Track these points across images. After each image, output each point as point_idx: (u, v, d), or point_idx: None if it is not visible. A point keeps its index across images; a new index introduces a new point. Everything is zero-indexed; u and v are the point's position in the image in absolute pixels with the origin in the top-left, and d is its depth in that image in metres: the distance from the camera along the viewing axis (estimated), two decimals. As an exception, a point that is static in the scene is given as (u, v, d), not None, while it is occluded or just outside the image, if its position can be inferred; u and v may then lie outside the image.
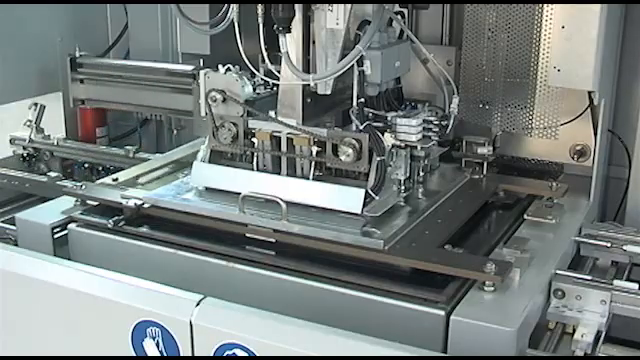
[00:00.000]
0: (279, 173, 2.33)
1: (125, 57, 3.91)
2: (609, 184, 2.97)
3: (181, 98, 3.42)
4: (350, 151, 2.15)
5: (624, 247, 2.38)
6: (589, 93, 2.49)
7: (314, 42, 2.24)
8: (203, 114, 2.38)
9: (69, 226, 2.41)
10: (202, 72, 2.37)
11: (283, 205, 2.16)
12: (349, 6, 2.14)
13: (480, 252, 2.20)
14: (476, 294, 1.98)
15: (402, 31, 2.48)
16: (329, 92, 2.23)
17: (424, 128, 2.30)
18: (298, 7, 2.20)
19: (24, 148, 3.64)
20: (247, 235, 2.25)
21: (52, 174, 3.24)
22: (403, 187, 2.36)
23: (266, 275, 2.13)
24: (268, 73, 2.30)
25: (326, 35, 2.20)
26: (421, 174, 2.47)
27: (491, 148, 2.73)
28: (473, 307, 1.92)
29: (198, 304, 1.94)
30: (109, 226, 2.34)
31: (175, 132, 3.73)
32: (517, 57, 2.57)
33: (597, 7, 2.32)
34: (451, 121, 2.38)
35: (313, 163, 2.26)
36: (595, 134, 2.64)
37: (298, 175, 2.31)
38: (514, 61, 2.58)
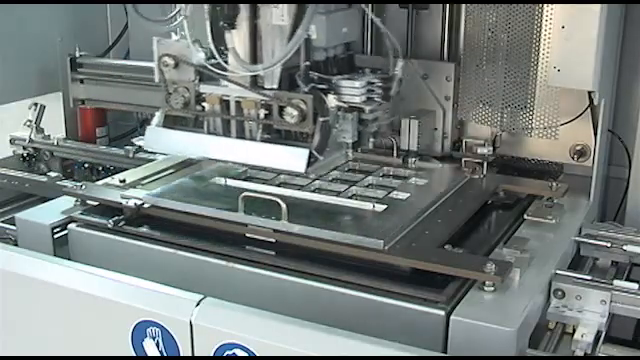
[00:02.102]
0: (229, 136, 2.36)
1: (125, 57, 3.90)
2: (609, 184, 2.97)
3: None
4: (295, 112, 2.20)
5: (624, 247, 2.38)
6: (589, 93, 2.49)
7: (261, 37, 2.29)
8: (157, 80, 2.41)
9: (69, 226, 2.41)
10: (155, 38, 2.40)
11: (283, 205, 2.16)
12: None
13: (480, 252, 2.20)
14: (476, 294, 1.98)
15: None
16: (275, 86, 2.27)
17: (368, 90, 2.33)
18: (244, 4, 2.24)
19: (24, 148, 3.64)
20: (247, 235, 2.25)
21: (52, 174, 3.24)
22: (351, 150, 2.39)
23: (266, 275, 2.13)
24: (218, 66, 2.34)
25: (272, 31, 2.24)
26: (371, 140, 2.50)
27: (491, 148, 2.73)
28: (473, 307, 1.92)
29: (198, 304, 1.94)
30: (109, 226, 2.34)
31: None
32: (517, 57, 2.57)
33: (597, 7, 2.32)
34: (394, 83, 2.39)
35: (261, 125, 2.30)
36: (595, 134, 2.64)
37: (247, 138, 2.34)
38: (514, 61, 2.58)
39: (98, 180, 2.81)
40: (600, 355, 2.01)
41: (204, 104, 2.36)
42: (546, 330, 2.14)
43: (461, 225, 2.32)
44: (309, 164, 2.20)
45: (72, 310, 2.12)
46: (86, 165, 3.61)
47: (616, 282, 2.13)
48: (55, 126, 3.74)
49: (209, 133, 2.38)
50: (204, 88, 2.35)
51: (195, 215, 2.31)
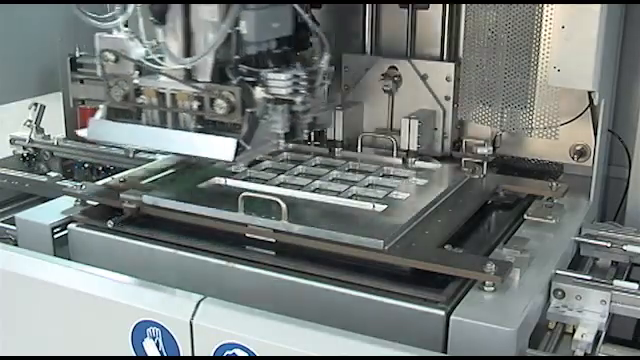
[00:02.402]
0: (166, 127, 2.43)
1: (125, 57, 3.89)
2: (609, 184, 2.97)
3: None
4: (224, 104, 2.29)
5: (624, 247, 2.38)
6: (589, 93, 2.49)
7: (194, 33, 2.35)
8: (99, 73, 2.49)
9: (69, 226, 2.41)
10: (97, 34, 2.46)
11: (283, 205, 2.16)
12: None
13: (480, 252, 2.20)
14: (476, 294, 1.98)
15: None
16: (208, 79, 2.33)
17: (294, 83, 2.38)
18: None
19: (24, 148, 3.64)
20: (247, 235, 2.25)
21: (52, 174, 3.24)
22: (283, 141, 2.47)
23: (266, 275, 2.12)
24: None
25: (204, 27, 2.30)
26: (305, 132, 2.56)
27: (491, 148, 2.73)
28: (473, 307, 1.92)
29: (198, 304, 1.94)
30: (109, 226, 2.34)
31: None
32: (517, 57, 2.57)
33: (597, 7, 2.32)
34: (319, 77, 2.46)
35: (194, 117, 2.38)
36: (595, 134, 2.64)
37: (181, 128, 2.41)
38: (514, 61, 2.58)
39: (98, 180, 2.81)
40: (600, 355, 2.01)
41: (142, 97, 2.43)
42: (546, 330, 2.14)
43: (461, 225, 2.32)
44: (237, 153, 2.29)
45: (72, 310, 2.12)
46: (86, 165, 3.61)
47: (616, 282, 2.13)
48: (55, 126, 3.74)
49: (147, 124, 2.45)
50: (142, 82, 2.42)
51: (195, 215, 2.31)
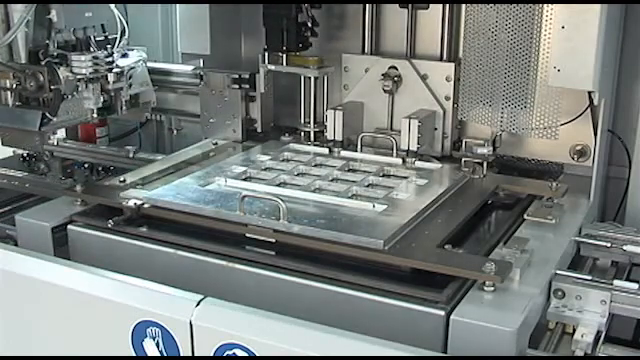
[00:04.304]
0: None
1: (125, 57, 3.89)
2: (609, 184, 2.97)
3: (185, 98, 3.44)
4: (33, 82, 2.68)
5: (624, 247, 2.38)
6: (589, 93, 2.49)
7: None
8: None
9: (69, 226, 2.41)
10: None
11: (283, 205, 2.16)
12: None
13: (480, 252, 2.20)
14: (476, 294, 1.98)
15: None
16: (24, 61, 2.72)
17: (94, 64, 2.75)
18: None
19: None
20: (247, 235, 2.25)
21: (52, 174, 3.23)
22: (95, 114, 2.86)
23: (266, 275, 2.13)
24: None
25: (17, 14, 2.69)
26: (124, 108, 3.01)
27: (491, 148, 2.74)
28: (473, 307, 1.92)
29: (198, 304, 1.94)
30: (109, 226, 2.34)
31: (175, 132, 3.74)
32: (517, 57, 2.57)
33: (597, 7, 2.32)
34: (115, 59, 2.87)
35: (14, 93, 2.76)
36: (595, 134, 2.64)
37: (3, 104, 2.79)
38: (514, 61, 2.58)
39: (98, 180, 2.81)
40: (600, 355, 2.01)
41: None
42: (546, 330, 2.14)
43: (461, 225, 2.32)
44: (42, 124, 2.74)
45: (72, 310, 2.12)
46: (86, 165, 3.60)
47: (616, 282, 2.13)
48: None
49: None
50: None
51: (195, 215, 2.31)
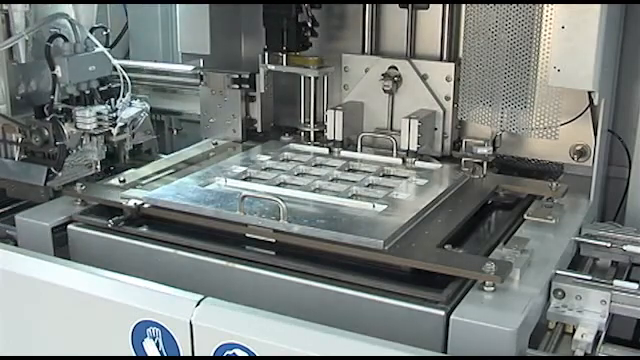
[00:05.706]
0: None
1: (125, 57, 3.90)
2: (609, 184, 2.97)
3: (185, 98, 3.44)
4: (38, 137, 2.74)
5: (624, 247, 2.38)
6: (589, 93, 2.49)
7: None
8: None
9: (69, 226, 2.41)
10: None
11: (283, 205, 2.16)
12: (28, 7, 2.81)
13: (480, 252, 2.20)
14: (476, 294, 1.98)
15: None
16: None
17: (98, 119, 2.81)
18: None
19: (24, 149, 3.63)
20: (247, 235, 2.25)
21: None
22: (99, 167, 2.90)
23: (266, 275, 2.13)
24: None
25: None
26: (127, 157, 3.03)
27: (491, 148, 2.74)
28: (473, 307, 1.92)
29: (198, 304, 1.94)
30: (109, 226, 2.34)
31: (175, 132, 3.74)
32: (517, 57, 2.57)
33: (597, 7, 2.32)
34: (118, 113, 2.89)
35: (19, 147, 2.82)
36: (595, 134, 2.64)
37: (9, 157, 2.86)
38: (514, 61, 2.58)
39: (98, 180, 2.81)
40: (600, 355, 2.01)
41: None
42: (546, 330, 2.14)
43: (461, 225, 2.32)
44: (47, 179, 2.71)
45: (72, 310, 2.12)
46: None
47: (616, 282, 2.13)
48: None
49: None
50: None
51: (195, 215, 2.31)
